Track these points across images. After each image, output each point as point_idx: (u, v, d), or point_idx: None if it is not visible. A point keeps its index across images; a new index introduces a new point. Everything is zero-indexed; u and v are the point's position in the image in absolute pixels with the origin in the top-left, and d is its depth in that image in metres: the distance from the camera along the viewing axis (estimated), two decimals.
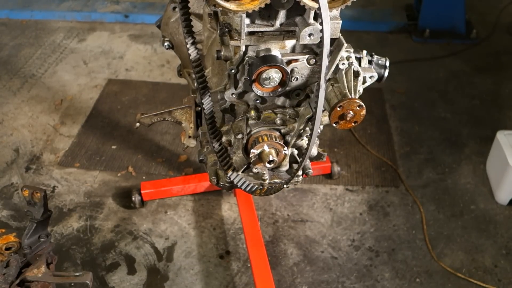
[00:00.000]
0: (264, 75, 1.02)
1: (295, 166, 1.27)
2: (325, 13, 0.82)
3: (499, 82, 3.03)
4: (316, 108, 0.92)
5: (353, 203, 2.28)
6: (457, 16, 3.37)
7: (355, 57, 1.13)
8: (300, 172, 1.22)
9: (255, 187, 1.22)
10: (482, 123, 2.72)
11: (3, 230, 1.88)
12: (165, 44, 1.50)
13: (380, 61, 1.20)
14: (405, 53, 3.31)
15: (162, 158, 2.51)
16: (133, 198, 2.21)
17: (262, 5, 0.93)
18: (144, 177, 2.40)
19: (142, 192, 2.23)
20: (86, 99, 2.89)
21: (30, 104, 2.85)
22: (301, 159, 1.13)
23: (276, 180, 1.23)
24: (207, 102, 1.08)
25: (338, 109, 1.01)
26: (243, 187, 1.22)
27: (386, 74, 1.20)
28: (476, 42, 3.36)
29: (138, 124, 1.44)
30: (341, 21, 1.05)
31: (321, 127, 1.24)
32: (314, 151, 1.30)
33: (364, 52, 1.17)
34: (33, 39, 3.43)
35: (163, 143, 2.60)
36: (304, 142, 1.23)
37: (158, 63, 3.21)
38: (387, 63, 1.21)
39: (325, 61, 0.87)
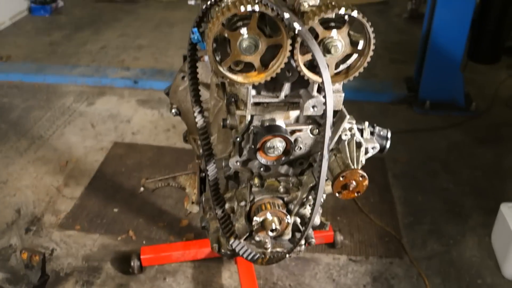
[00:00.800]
0: (268, 144, 1.05)
1: (297, 234, 1.27)
2: (328, 87, 0.86)
3: (500, 154, 3.05)
4: (319, 177, 0.93)
5: (357, 274, 2.23)
6: (456, 89, 3.47)
7: (357, 128, 1.16)
8: (302, 241, 1.21)
9: (257, 256, 1.20)
10: (485, 195, 2.72)
11: None
12: (173, 110, 1.55)
13: (381, 133, 1.23)
14: (406, 123, 3.37)
15: (164, 222, 2.49)
16: (132, 264, 2.17)
17: (268, 78, 0.97)
18: (144, 242, 2.37)
19: (141, 257, 2.19)
20: (91, 161, 2.92)
21: (36, 165, 2.88)
22: (303, 228, 1.13)
23: (278, 249, 1.22)
24: (211, 169, 1.09)
25: (341, 179, 1.03)
26: (244, 255, 1.20)
27: (387, 145, 1.23)
28: (475, 115, 3.43)
29: (142, 188, 1.45)
30: (343, 94, 1.09)
31: (324, 196, 1.25)
32: (317, 220, 1.30)
33: (366, 123, 1.20)
34: (44, 102, 3.53)
35: (165, 207, 2.59)
36: (307, 210, 1.23)
37: (164, 127, 3.28)
38: (389, 135, 1.24)
39: (328, 133, 0.90)
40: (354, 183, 1.04)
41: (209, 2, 0.95)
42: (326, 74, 0.85)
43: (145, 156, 2.99)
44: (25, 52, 4.30)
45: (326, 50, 0.94)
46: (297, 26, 0.85)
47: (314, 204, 1.00)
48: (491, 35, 3.40)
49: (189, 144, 1.60)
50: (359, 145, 1.10)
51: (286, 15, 0.87)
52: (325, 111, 0.89)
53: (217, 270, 2.24)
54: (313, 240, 1.26)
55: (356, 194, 1.07)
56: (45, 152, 3.00)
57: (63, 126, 3.26)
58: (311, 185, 1.14)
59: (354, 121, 1.12)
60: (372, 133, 1.20)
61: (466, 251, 2.37)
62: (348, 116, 1.09)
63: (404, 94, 3.63)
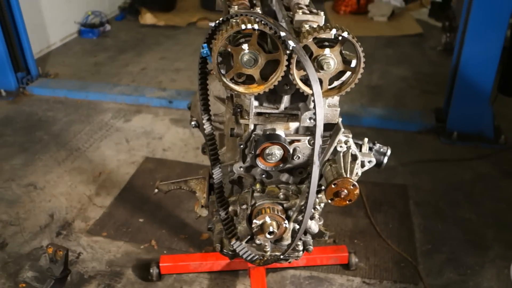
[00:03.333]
0: (267, 151, 1.14)
1: (299, 241, 1.34)
2: (318, 99, 0.95)
3: None
4: (310, 182, 1.01)
5: None
6: (485, 121, 3.45)
7: (356, 143, 1.24)
8: (300, 247, 1.28)
9: (256, 257, 1.28)
10: (508, 227, 2.68)
11: (24, 285, 1.98)
12: (192, 123, 1.67)
13: (381, 149, 1.30)
14: (432, 153, 3.37)
15: (185, 234, 2.60)
16: (151, 271, 2.28)
17: (267, 90, 1.07)
18: (165, 251, 2.48)
19: (160, 265, 2.29)
20: (123, 173, 3.09)
21: (71, 174, 3.06)
22: (298, 232, 1.20)
23: (277, 253, 1.29)
24: (217, 173, 1.19)
25: (333, 186, 1.10)
26: (244, 256, 1.28)
27: (385, 161, 1.29)
28: (504, 148, 3.40)
29: (156, 190, 1.57)
30: (339, 109, 1.18)
31: (322, 205, 1.32)
32: (315, 228, 1.37)
33: (366, 139, 1.27)
34: (84, 117, 3.76)
35: (188, 221, 2.69)
36: None
37: (194, 145, 3.42)
38: (388, 152, 1.31)
39: (318, 140, 0.98)
40: (345, 191, 1.11)
41: (218, 21, 1.07)
42: (317, 86, 0.95)
43: (174, 171, 3.13)
44: (72, 71, 4.61)
45: (320, 67, 1.04)
46: (291, 43, 0.96)
47: (305, 208, 1.07)
48: None
49: (206, 155, 1.71)
50: (354, 157, 1.18)
51: (283, 34, 0.97)
52: (315, 120, 0.98)
53: (231, 283, 2.30)
54: (311, 247, 1.33)
55: (347, 202, 1.14)
56: (81, 163, 3.19)
57: (100, 140, 3.46)
58: None
59: (350, 135, 1.20)
60: (370, 149, 1.27)
61: (484, 282, 2.34)
62: (343, 129, 1.17)
63: (432, 124, 3.64)
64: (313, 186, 1.03)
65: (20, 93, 4.10)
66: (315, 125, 1.00)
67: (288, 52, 1.02)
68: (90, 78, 4.46)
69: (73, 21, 5.38)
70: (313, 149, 1.12)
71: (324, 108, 1.16)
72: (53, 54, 4.99)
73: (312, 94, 0.96)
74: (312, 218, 1.30)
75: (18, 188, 2.93)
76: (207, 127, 1.17)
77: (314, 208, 1.29)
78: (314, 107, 0.97)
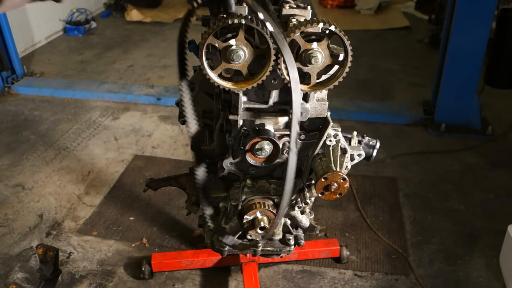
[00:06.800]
0: (257, 146, 1.14)
1: (289, 236, 1.34)
2: (296, 86, 0.94)
3: None
4: (286, 169, 1.01)
5: None
6: (472, 113, 3.48)
7: (345, 136, 1.24)
8: (292, 242, 1.28)
9: (245, 252, 1.28)
10: (497, 217, 2.71)
11: (14, 287, 1.96)
12: (181, 120, 1.66)
13: (371, 142, 1.30)
14: (421, 145, 3.39)
15: (176, 231, 2.59)
16: (143, 269, 2.27)
17: (255, 85, 1.07)
18: (156, 249, 2.47)
19: (152, 263, 2.28)
20: (112, 172, 3.06)
21: (60, 174, 3.03)
22: (288, 227, 1.20)
23: (269, 248, 1.29)
24: (200, 171, 1.19)
25: (323, 180, 1.10)
26: (234, 252, 1.28)
27: (374, 154, 1.29)
28: (492, 138, 3.43)
29: (146, 188, 1.56)
30: (327, 103, 1.18)
31: (312, 199, 1.32)
32: (306, 222, 1.37)
33: (355, 133, 1.27)
34: (72, 116, 3.73)
35: (179, 218, 2.68)
36: (296, 212, 1.31)
37: (183, 142, 3.40)
38: (377, 145, 1.31)
39: (295, 127, 0.98)
40: (335, 184, 1.11)
41: (204, 16, 1.06)
42: (294, 72, 0.94)
43: (163, 168, 3.11)
44: (58, 69, 4.56)
45: (307, 61, 1.03)
46: (269, 26, 0.94)
47: (282, 193, 1.06)
48: (507, 60, 3.42)
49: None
50: (344, 151, 1.18)
51: (261, 15, 0.96)
52: (291, 106, 0.97)
53: (224, 279, 2.30)
54: (303, 241, 1.33)
55: (337, 196, 1.14)
56: (70, 162, 3.16)
57: (88, 138, 3.43)
58: (299, 187, 1.22)
59: (339, 129, 1.20)
60: (360, 142, 1.27)
61: (473, 271, 2.37)
62: (332, 123, 1.17)
63: (420, 116, 3.66)
64: (290, 173, 1.02)
65: (6, 92, 4.04)
66: (291, 112, 0.99)
67: (275, 47, 1.01)
68: (76, 76, 4.41)
69: (58, 18, 5.32)
70: (304, 144, 1.12)
71: (313, 102, 1.16)
72: (38, 53, 4.93)
73: (289, 81, 0.95)
74: (303, 212, 1.30)
75: (5, 188, 2.90)
76: (192, 126, 1.16)
77: (305, 202, 1.29)
78: (290, 93, 0.96)
